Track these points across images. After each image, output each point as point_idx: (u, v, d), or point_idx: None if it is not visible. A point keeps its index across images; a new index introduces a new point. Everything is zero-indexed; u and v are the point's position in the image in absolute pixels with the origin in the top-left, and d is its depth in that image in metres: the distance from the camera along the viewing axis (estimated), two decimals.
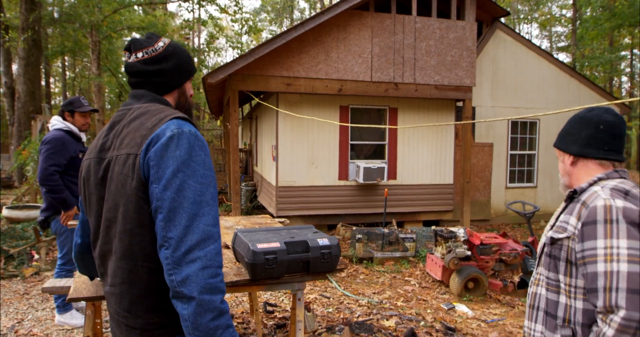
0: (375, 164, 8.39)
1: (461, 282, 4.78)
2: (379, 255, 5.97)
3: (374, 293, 4.93)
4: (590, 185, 1.32)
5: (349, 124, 8.16)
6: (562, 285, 1.29)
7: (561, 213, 1.36)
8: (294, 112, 8.07)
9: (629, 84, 35.68)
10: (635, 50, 33.11)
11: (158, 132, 1.16)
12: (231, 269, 2.24)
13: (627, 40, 31.44)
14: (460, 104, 9.17)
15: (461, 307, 4.59)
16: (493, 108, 9.97)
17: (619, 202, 1.19)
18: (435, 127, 9.02)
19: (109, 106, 26.30)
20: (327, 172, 8.49)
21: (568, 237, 1.25)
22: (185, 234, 1.08)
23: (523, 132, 10.33)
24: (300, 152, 8.33)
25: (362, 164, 8.33)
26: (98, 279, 2.01)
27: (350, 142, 8.56)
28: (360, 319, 3.96)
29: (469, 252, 4.95)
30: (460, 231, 5.16)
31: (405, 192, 8.87)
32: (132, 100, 1.38)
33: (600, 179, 1.33)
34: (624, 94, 34.34)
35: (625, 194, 1.23)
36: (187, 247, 1.07)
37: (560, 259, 1.29)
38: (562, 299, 1.29)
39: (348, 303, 4.48)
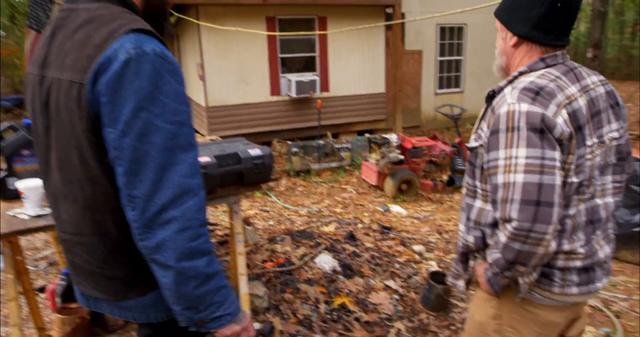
0: (307, 77, 8.19)
1: (395, 184, 5.02)
2: (316, 166, 6.08)
3: (313, 203, 5.08)
4: (509, 82, 1.20)
5: (277, 33, 7.75)
6: (478, 190, 1.26)
7: (481, 118, 1.25)
8: (218, 25, 7.48)
9: None
10: None
11: (109, 53, 0.86)
12: None
13: None
14: (389, 10, 8.93)
15: (396, 208, 4.87)
16: (422, 14, 9.83)
17: (524, 107, 1.08)
18: (366, 36, 8.82)
19: (4, 33, 22.99)
20: (258, 89, 8.21)
21: (482, 146, 1.20)
22: (155, 191, 0.87)
23: (451, 37, 10.40)
24: (229, 69, 7.90)
25: (294, 77, 8.10)
26: (9, 213, 1.85)
27: (279, 55, 8.21)
28: (302, 227, 4.10)
29: (401, 156, 5.15)
30: (392, 137, 5.31)
31: (339, 104, 8.87)
32: None
33: (521, 74, 1.20)
34: None
35: (536, 94, 1.10)
36: (158, 207, 0.87)
37: (476, 166, 1.25)
38: (478, 203, 1.27)
39: (288, 215, 4.60)
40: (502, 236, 1.11)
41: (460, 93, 10.80)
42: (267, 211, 4.71)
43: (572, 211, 1.18)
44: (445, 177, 5.57)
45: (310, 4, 7.88)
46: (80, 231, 1.02)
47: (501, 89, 1.20)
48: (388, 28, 9.09)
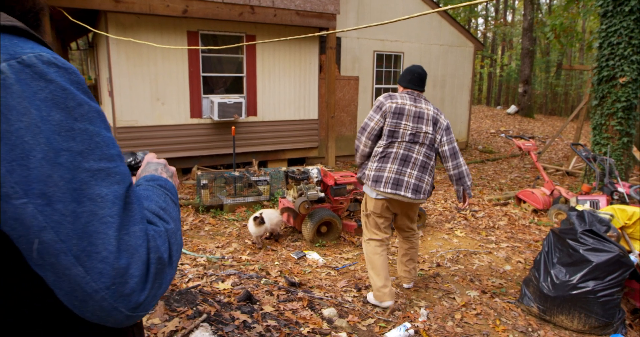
0: (232, 99, 7.49)
1: (313, 227, 4.38)
2: (229, 201, 5.32)
3: (217, 247, 4.31)
4: None
5: (198, 47, 7.04)
6: None
7: None
8: (130, 37, 6.64)
9: (484, 27, 38.64)
10: None
11: None
12: None
13: None
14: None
15: (313, 255, 4.22)
16: (358, 40, 9.53)
17: (380, 97, 3.13)
18: (298, 59, 8.31)
19: None
20: (176, 109, 7.38)
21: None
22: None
23: (388, 65, 10.17)
24: (142, 86, 7.04)
25: (217, 99, 7.37)
26: None
27: (202, 74, 7.47)
28: (190, 284, 3.32)
29: (322, 194, 4.54)
30: (313, 171, 4.70)
31: (268, 129, 8.22)
32: None
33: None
34: (479, 35, 37.11)
35: (388, 95, 3.12)
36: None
37: None
38: None
39: (182, 264, 3.80)
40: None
41: None
42: None
43: (390, 149, 3.06)
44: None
45: (238, 20, 7.26)
46: None
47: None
48: (322, 52, 8.65)
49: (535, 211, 6.01)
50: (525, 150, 6.13)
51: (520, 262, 4.33)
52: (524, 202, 6.18)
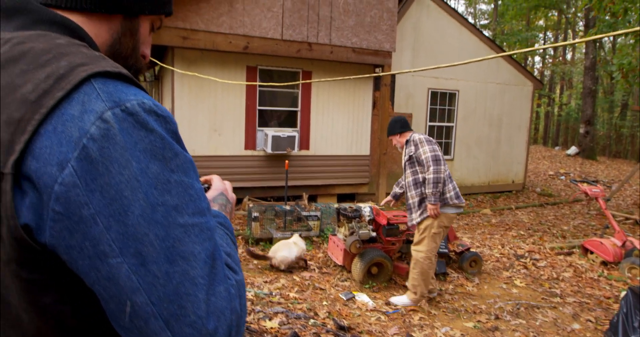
0: (285, 132, 7.61)
1: (364, 268, 4.23)
2: (279, 235, 5.29)
3: (266, 282, 4.25)
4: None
5: (257, 83, 7.26)
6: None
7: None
8: (194, 71, 6.98)
9: (541, 65, 37.80)
10: (548, 33, 34.95)
11: (59, 123, 0.49)
12: None
13: (541, 22, 33.02)
14: (379, 70, 8.56)
15: (362, 297, 4.05)
16: (413, 77, 9.51)
17: (421, 136, 3.86)
18: (352, 95, 8.38)
19: None
20: (232, 141, 7.58)
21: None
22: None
23: (442, 103, 10.04)
24: (201, 117, 7.32)
25: (271, 132, 7.51)
26: None
27: (258, 107, 7.67)
28: None
29: (374, 234, 4.41)
30: (366, 209, 4.59)
31: (319, 164, 8.23)
32: None
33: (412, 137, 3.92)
34: (535, 73, 36.26)
35: (421, 134, 3.91)
36: None
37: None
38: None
39: None
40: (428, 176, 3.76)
41: (450, 161, 10.27)
42: None
43: (447, 171, 3.89)
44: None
45: (295, 56, 7.47)
46: None
47: (407, 140, 3.96)
48: (376, 89, 8.68)
49: (604, 263, 5.53)
50: (592, 196, 5.72)
51: (590, 321, 3.94)
52: (592, 252, 5.72)
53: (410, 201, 3.90)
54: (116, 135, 0.50)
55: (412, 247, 3.95)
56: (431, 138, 3.83)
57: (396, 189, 4.32)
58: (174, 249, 0.52)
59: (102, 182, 0.49)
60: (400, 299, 3.99)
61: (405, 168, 3.95)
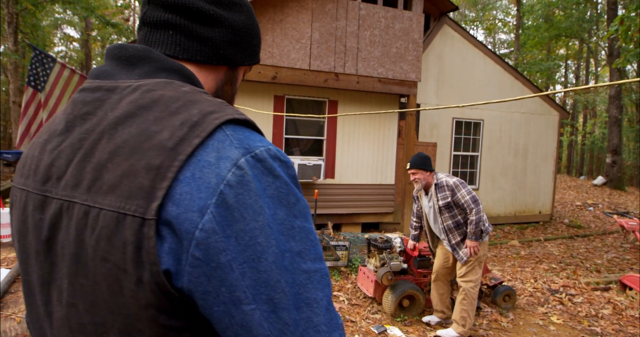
0: (311, 161, 7.66)
1: (395, 300, 4.14)
2: None
3: None
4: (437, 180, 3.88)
5: (284, 114, 7.37)
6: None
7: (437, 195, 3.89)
8: None
9: (563, 94, 37.52)
10: (569, 62, 34.87)
11: (197, 168, 0.50)
12: None
13: (562, 51, 33.02)
14: (404, 100, 8.63)
15: (394, 331, 3.94)
16: (437, 106, 9.53)
17: (455, 179, 3.84)
18: (377, 124, 8.43)
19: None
20: None
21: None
22: None
23: (467, 132, 10.01)
24: None
25: (297, 160, 7.57)
26: None
27: (284, 136, 7.77)
28: None
29: (405, 265, 4.32)
30: (396, 240, 4.53)
31: (344, 192, 8.22)
32: (116, 66, 0.63)
33: (438, 178, 3.90)
34: (557, 101, 35.97)
35: (458, 179, 3.84)
36: None
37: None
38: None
39: None
40: (471, 217, 3.79)
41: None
42: None
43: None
44: (456, 294, 4.66)
45: (322, 86, 7.59)
46: None
47: (436, 184, 3.91)
48: (402, 118, 8.72)
49: None
50: (630, 230, 5.54)
51: None
52: (630, 289, 5.49)
53: (454, 242, 3.91)
54: (250, 182, 0.51)
55: (460, 279, 3.89)
56: (462, 180, 4.07)
57: (413, 232, 4.34)
58: (299, 296, 0.53)
59: (237, 229, 0.50)
60: (448, 333, 3.89)
61: (439, 212, 3.90)
